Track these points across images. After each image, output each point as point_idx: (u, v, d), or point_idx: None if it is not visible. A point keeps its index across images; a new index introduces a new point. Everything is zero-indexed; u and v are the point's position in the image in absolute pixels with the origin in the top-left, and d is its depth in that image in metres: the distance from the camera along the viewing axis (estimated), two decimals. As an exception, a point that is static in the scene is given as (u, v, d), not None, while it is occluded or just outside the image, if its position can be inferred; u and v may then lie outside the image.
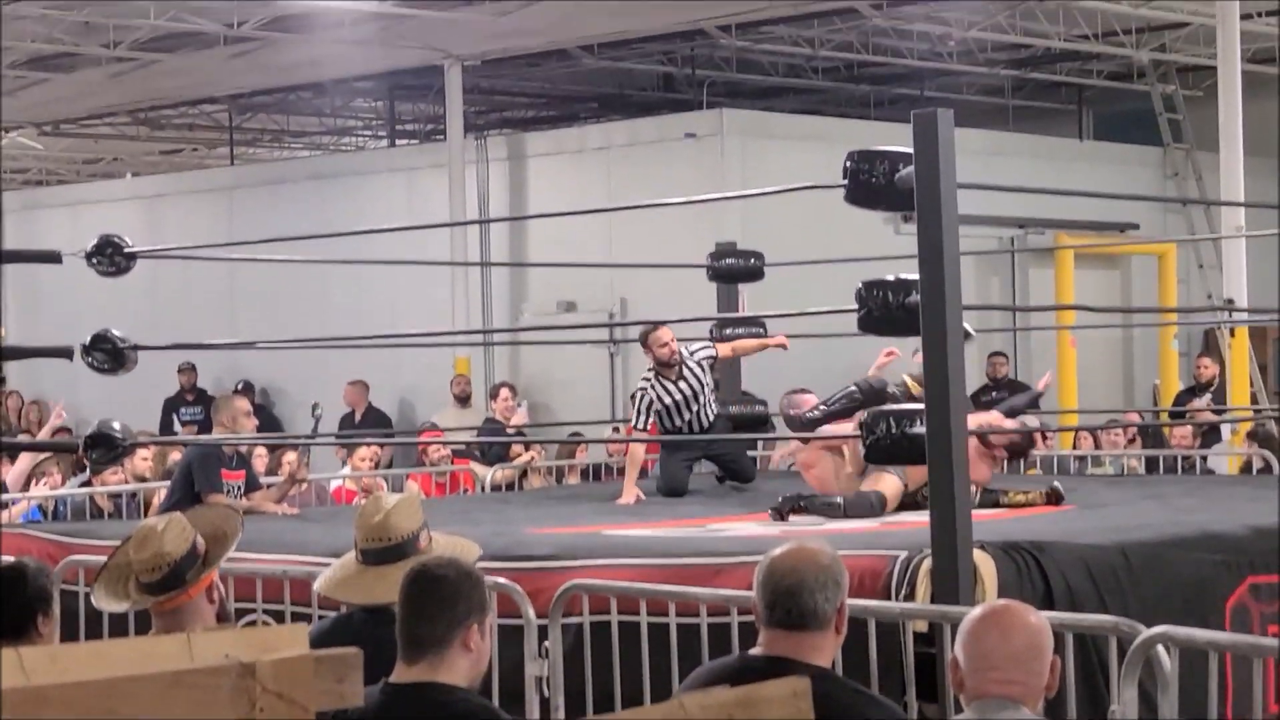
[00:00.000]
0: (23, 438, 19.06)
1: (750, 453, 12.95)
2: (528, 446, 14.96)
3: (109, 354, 8.27)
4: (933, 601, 6.51)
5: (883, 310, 6.77)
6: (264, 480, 11.30)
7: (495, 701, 6.06)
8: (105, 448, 8.32)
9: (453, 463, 14.10)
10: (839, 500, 9.26)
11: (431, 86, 22.20)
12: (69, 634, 7.40)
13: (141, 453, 12.48)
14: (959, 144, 6.78)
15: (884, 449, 6.88)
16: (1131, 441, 14.69)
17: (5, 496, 11.70)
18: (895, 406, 7.71)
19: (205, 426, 17.95)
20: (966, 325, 6.83)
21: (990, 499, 9.45)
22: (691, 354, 11.10)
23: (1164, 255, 20.70)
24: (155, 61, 20.89)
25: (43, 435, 15.05)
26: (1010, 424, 9.84)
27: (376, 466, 14.04)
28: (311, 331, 18.53)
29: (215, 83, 21.60)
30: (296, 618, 7.28)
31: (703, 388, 11.10)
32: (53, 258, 8.55)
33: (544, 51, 20.43)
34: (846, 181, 6.91)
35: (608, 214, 17.67)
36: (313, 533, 9.10)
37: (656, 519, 9.47)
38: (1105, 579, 6.93)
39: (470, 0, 18.89)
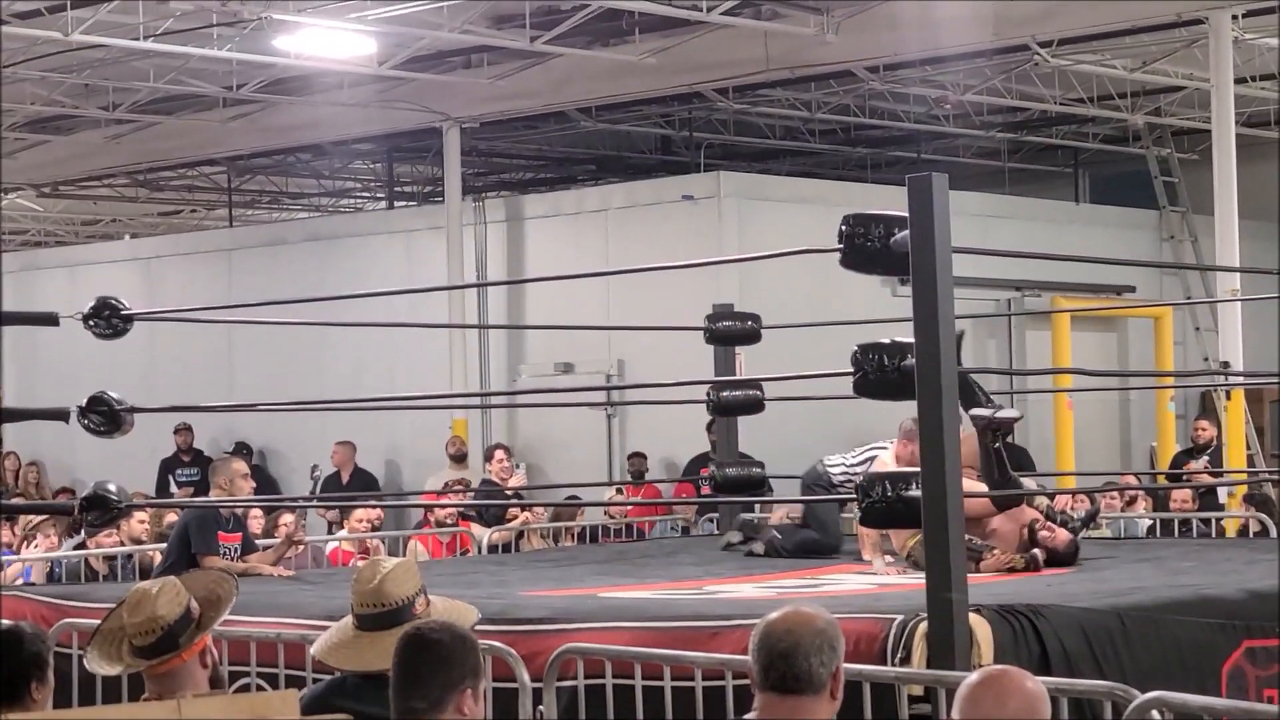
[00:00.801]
0: (18, 500, 19.03)
1: (746, 515, 12.94)
2: (524, 508, 14.96)
3: (105, 416, 8.25)
4: (928, 665, 6.50)
5: (878, 373, 6.78)
6: (260, 543, 11.27)
7: (489, 766, 6.03)
8: (101, 509, 8.30)
9: (458, 524, 14.10)
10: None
11: (430, 149, 22.26)
12: (62, 697, 7.38)
13: (138, 515, 12.46)
14: (956, 206, 6.81)
15: (880, 512, 6.88)
16: (1131, 503, 14.67)
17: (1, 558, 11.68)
18: (892, 470, 7.72)
19: (202, 488, 17.94)
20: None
21: (973, 554, 9.40)
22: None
23: (1160, 318, 20.73)
24: (154, 124, 20.99)
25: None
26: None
27: (375, 529, 14.02)
28: (310, 393, 18.53)
29: (214, 144, 21.67)
30: (290, 681, 7.25)
31: None
32: (50, 320, 8.55)
33: (542, 114, 20.50)
34: (842, 245, 6.93)
35: (605, 276, 17.70)
36: (308, 595, 9.08)
37: (652, 581, 9.45)
38: (1101, 643, 6.92)
39: (468, 63, 19.00)
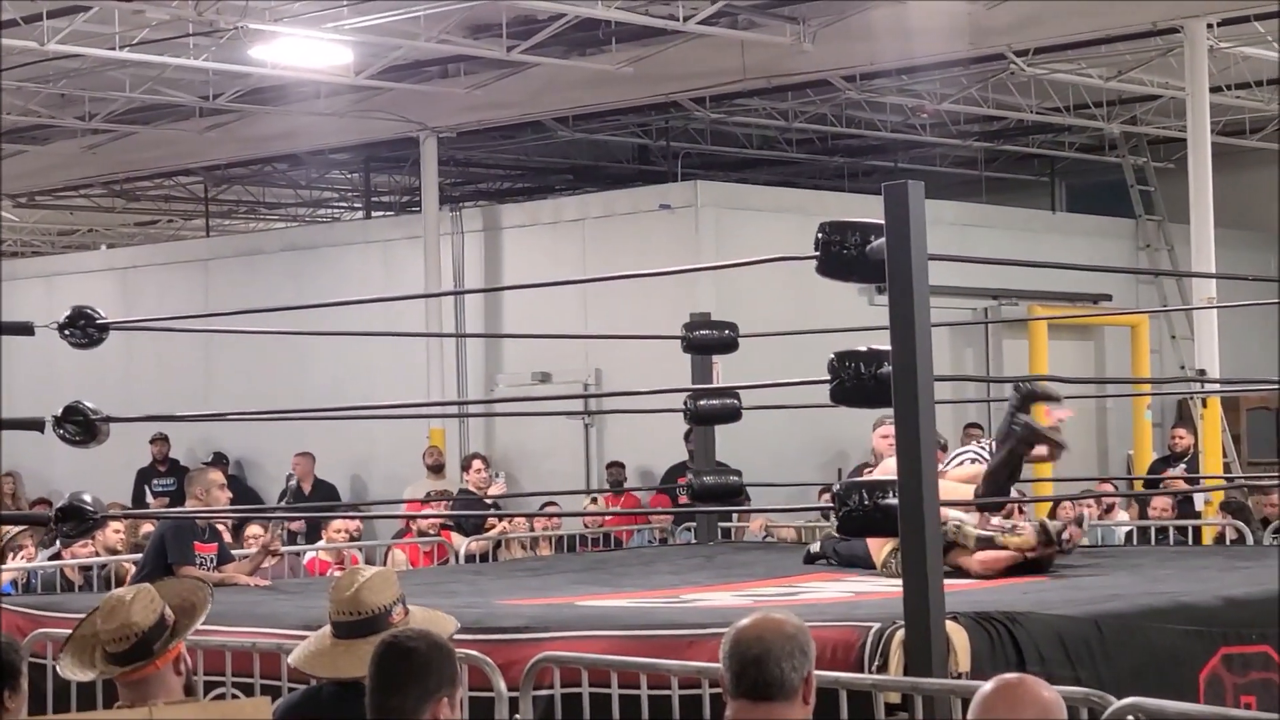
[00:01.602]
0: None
1: (723, 523, 12.94)
2: (501, 518, 14.94)
3: (81, 426, 8.23)
4: (905, 673, 6.50)
5: (855, 381, 6.77)
6: (236, 553, 11.25)
7: (466, 775, 6.02)
8: (77, 520, 8.27)
9: (439, 534, 14.09)
10: None
11: (407, 158, 22.26)
12: (37, 708, 7.35)
13: (113, 525, 12.42)
14: (932, 215, 6.81)
15: (857, 520, 6.88)
16: (1109, 511, 14.69)
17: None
18: (867, 479, 7.71)
19: (177, 498, 17.89)
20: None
21: (985, 541, 9.43)
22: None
23: (1137, 326, 20.78)
24: (130, 134, 20.96)
25: None
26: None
27: (353, 539, 14.00)
28: (287, 403, 18.49)
29: (190, 154, 21.64)
30: (265, 691, 7.22)
31: None
32: (26, 329, 8.51)
33: (519, 123, 20.52)
34: (819, 253, 6.93)
35: (582, 285, 17.71)
36: (284, 605, 9.05)
37: (629, 589, 9.44)
38: (1078, 650, 6.92)
39: (445, 73, 19.00)
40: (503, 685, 6.81)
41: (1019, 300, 20.31)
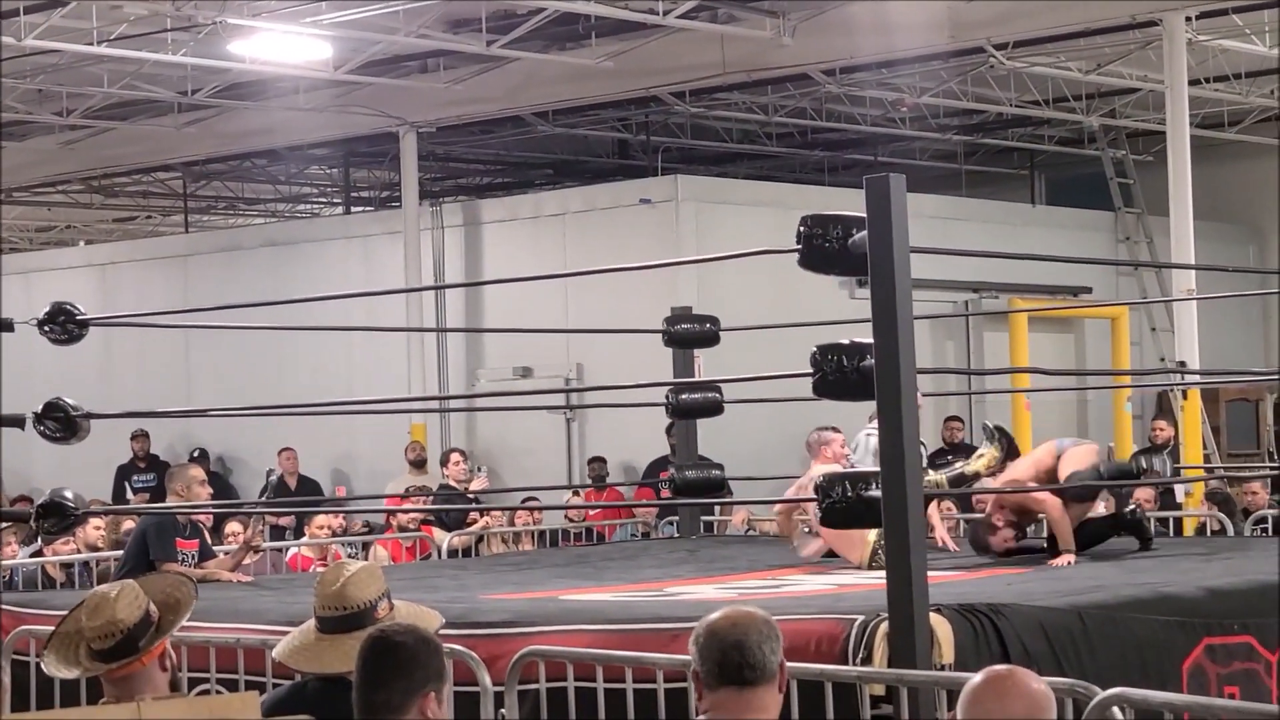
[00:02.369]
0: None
1: (706, 517, 12.93)
2: (483, 512, 14.93)
3: (61, 422, 8.22)
4: (890, 665, 6.51)
5: (837, 374, 6.78)
6: (217, 549, 11.23)
7: (451, 769, 6.00)
8: (57, 516, 8.25)
9: (420, 529, 14.08)
10: None
11: (386, 153, 22.22)
12: (20, 704, 7.34)
13: (94, 521, 12.39)
14: (912, 208, 6.82)
15: (840, 512, 6.88)
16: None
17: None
18: (850, 470, 7.72)
19: (158, 494, 17.86)
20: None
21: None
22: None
23: (1117, 318, 20.82)
24: (109, 129, 20.89)
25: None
26: None
27: (335, 535, 13.98)
28: (267, 399, 18.47)
29: (169, 150, 21.58)
30: (250, 687, 7.22)
31: None
32: (5, 326, 8.49)
33: (498, 118, 20.48)
34: (800, 246, 6.93)
35: (563, 279, 17.70)
36: (267, 601, 9.05)
37: (613, 583, 9.45)
38: (1062, 641, 6.94)
39: (425, 68, 18.97)
40: (488, 680, 6.81)
41: (999, 293, 20.35)
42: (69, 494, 8.26)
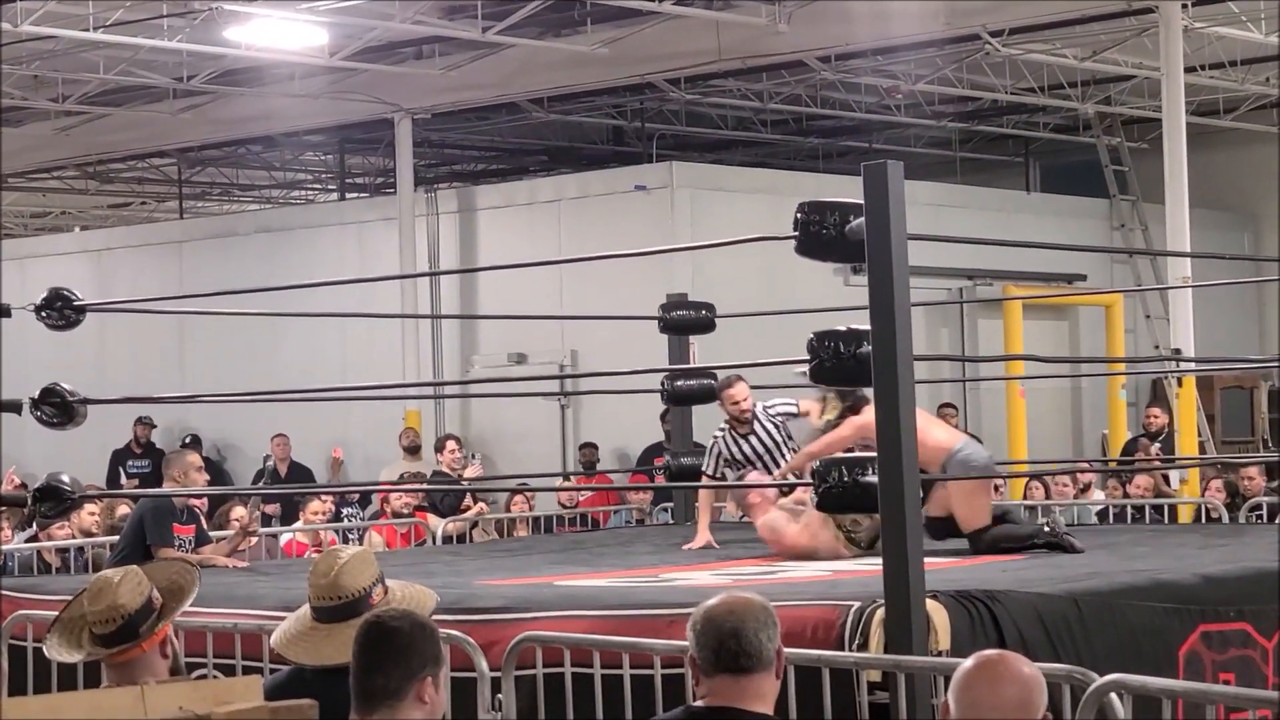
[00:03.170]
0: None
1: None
2: (476, 499, 14.93)
3: (58, 408, 8.21)
4: (886, 651, 6.51)
5: (834, 361, 6.78)
6: (214, 534, 11.23)
7: (449, 755, 6.01)
8: (54, 501, 8.25)
9: (414, 514, 14.08)
10: None
11: (381, 140, 22.21)
12: (17, 689, 7.34)
13: (89, 507, 12.39)
14: (907, 196, 6.81)
15: (837, 497, 6.89)
16: (1085, 490, 14.74)
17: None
18: (848, 455, 7.72)
19: (152, 480, 17.86)
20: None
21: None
22: (767, 409, 10.96)
23: (1111, 306, 20.83)
24: (104, 115, 20.87)
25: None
26: None
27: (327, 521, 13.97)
28: (262, 385, 18.46)
29: (164, 136, 21.57)
30: (248, 672, 7.22)
31: (776, 445, 10.90)
32: (2, 312, 8.49)
33: (493, 105, 20.48)
34: (797, 233, 6.93)
35: (558, 266, 17.69)
36: (263, 586, 9.06)
37: (609, 569, 9.45)
38: (1058, 628, 6.94)
39: (420, 54, 18.95)
40: (485, 665, 6.81)
41: (994, 280, 20.35)
42: (66, 478, 8.26)
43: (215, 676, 7.30)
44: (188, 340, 21.20)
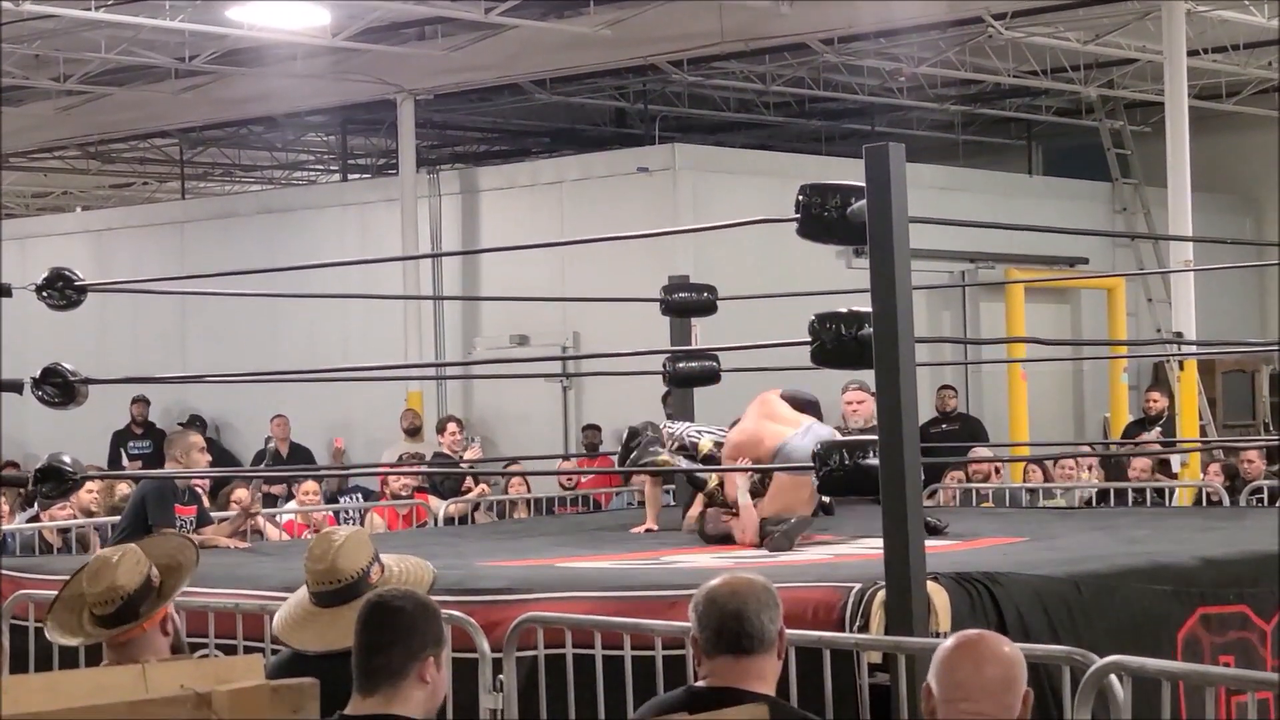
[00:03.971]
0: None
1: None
2: (477, 480, 14.93)
3: (59, 388, 8.21)
4: (887, 633, 6.52)
5: (835, 343, 6.77)
6: (216, 515, 11.25)
7: (449, 735, 6.03)
8: (56, 481, 8.26)
9: (414, 496, 14.09)
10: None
11: (383, 121, 22.19)
12: (18, 669, 7.34)
13: (88, 486, 12.40)
14: (910, 178, 6.80)
15: (838, 480, 6.89)
16: (1088, 471, 14.75)
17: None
18: (847, 438, 7.72)
19: (153, 460, 17.87)
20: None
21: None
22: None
23: (1113, 289, 20.83)
24: (105, 95, 20.84)
25: None
26: None
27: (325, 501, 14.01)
28: (263, 366, 18.47)
29: (166, 116, 21.55)
30: (249, 652, 7.24)
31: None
32: (3, 291, 8.49)
33: (496, 86, 20.45)
34: (799, 215, 6.92)
35: (560, 248, 17.68)
36: (265, 567, 9.07)
37: (610, 551, 9.46)
38: (1058, 610, 6.95)
39: (422, 35, 18.93)
40: (486, 646, 6.83)
41: (996, 263, 20.35)
42: (67, 458, 8.27)
43: (217, 656, 7.31)
44: (189, 321, 21.20)
